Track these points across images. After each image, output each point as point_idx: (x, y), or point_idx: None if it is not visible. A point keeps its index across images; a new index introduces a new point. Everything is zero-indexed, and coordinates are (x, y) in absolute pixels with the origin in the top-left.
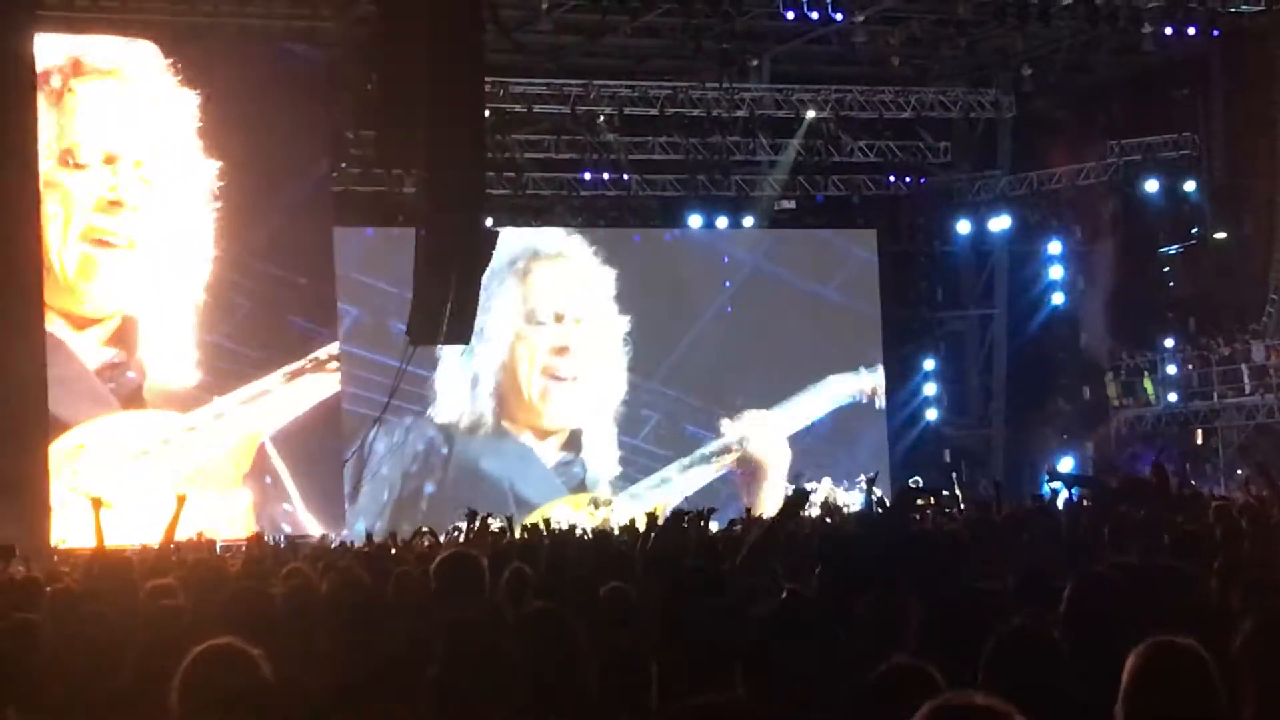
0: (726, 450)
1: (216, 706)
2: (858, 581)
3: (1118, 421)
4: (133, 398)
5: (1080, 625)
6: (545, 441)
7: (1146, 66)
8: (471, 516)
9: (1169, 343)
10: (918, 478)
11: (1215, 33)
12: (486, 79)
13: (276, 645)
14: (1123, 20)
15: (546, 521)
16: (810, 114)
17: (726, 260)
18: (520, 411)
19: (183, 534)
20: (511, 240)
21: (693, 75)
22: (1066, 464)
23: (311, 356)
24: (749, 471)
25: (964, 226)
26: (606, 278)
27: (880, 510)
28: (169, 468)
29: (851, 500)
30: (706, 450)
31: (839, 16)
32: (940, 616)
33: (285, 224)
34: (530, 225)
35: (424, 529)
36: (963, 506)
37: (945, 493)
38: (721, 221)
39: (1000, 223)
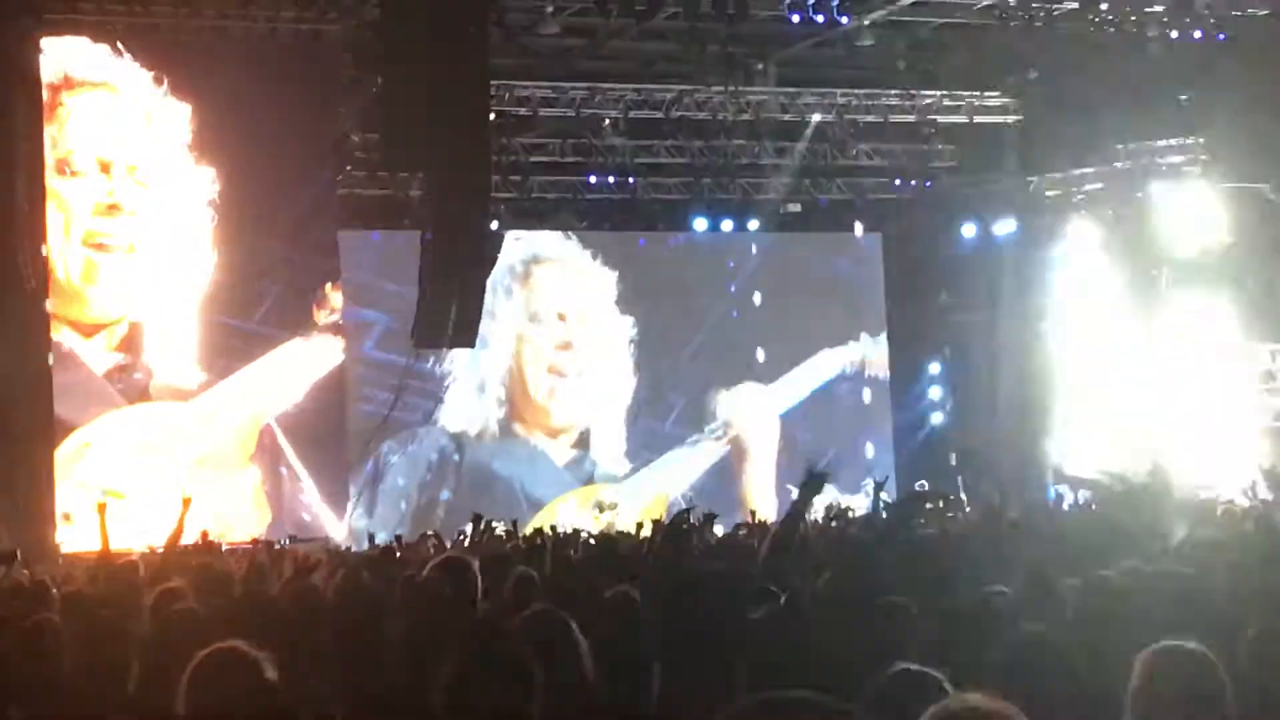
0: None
1: (222, 709)
2: (863, 586)
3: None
4: (139, 398)
5: (1086, 630)
6: (556, 440)
7: (1154, 70)
8: (477, 521)
9: None
10: (923, 481)
11: (1222, 36)
12: (491, 82)
13: (281, 649)
14: (1130, 24)
15: (553, 527)
16: (816, 117)
17: (731, 264)
18: (529, 412)
19: (190, 530)
20: (515, 244)
21: (698, 79)
22: (1073, 468)
23: (316, 344)
24: (739, 453)
25: (970, 230)
26: (611, 281)
27: (886, 515)
28: (175, 456)
29: (855, 504)
30: (700, 435)
31: (845, 20)
32: (946, 621)
33: (289, 227)
34: (535, 229)
35: (430, 534)
36: (967, 510)
37: (950, 497)
38: (727, 225)
39: (1006, 226)
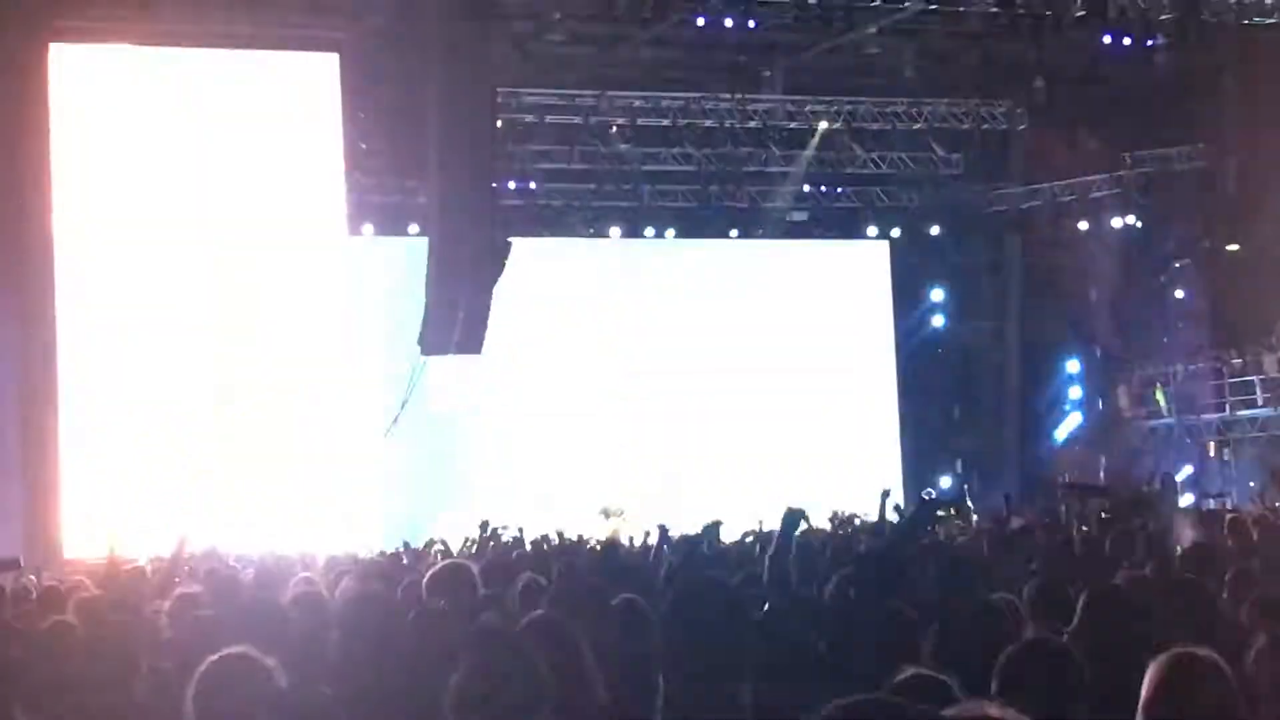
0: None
1: (231, 715)
2: (873, 593)
3: (1129, 433)
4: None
5: (1094, 637)
6: (568, 450)
7: (1160, 78)
8: (484, 527)
9: (1181, 354)
10: (930, 489)
11: (1229, 43)
12: (498, 89)
13: (289, 655)
14: (1136, 31)
15: (560, 532)
16: (823, 125)
17: (737, 271)
18: (540, 421)
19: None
20: (522, 252)
21: (705, 86)
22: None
23: (325, 362)
24: None
25: (977, 238)
26: (618, 287)
27: (895, 524)
28: (182, 471)
29: (860, 511)
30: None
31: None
32: (955, 628)
33: (296, 233)
34: (542, 236)
35: (436, 540)
36: (975, 518)
37: (959, 505)
38: (734, 233)
39: (1013, 234)
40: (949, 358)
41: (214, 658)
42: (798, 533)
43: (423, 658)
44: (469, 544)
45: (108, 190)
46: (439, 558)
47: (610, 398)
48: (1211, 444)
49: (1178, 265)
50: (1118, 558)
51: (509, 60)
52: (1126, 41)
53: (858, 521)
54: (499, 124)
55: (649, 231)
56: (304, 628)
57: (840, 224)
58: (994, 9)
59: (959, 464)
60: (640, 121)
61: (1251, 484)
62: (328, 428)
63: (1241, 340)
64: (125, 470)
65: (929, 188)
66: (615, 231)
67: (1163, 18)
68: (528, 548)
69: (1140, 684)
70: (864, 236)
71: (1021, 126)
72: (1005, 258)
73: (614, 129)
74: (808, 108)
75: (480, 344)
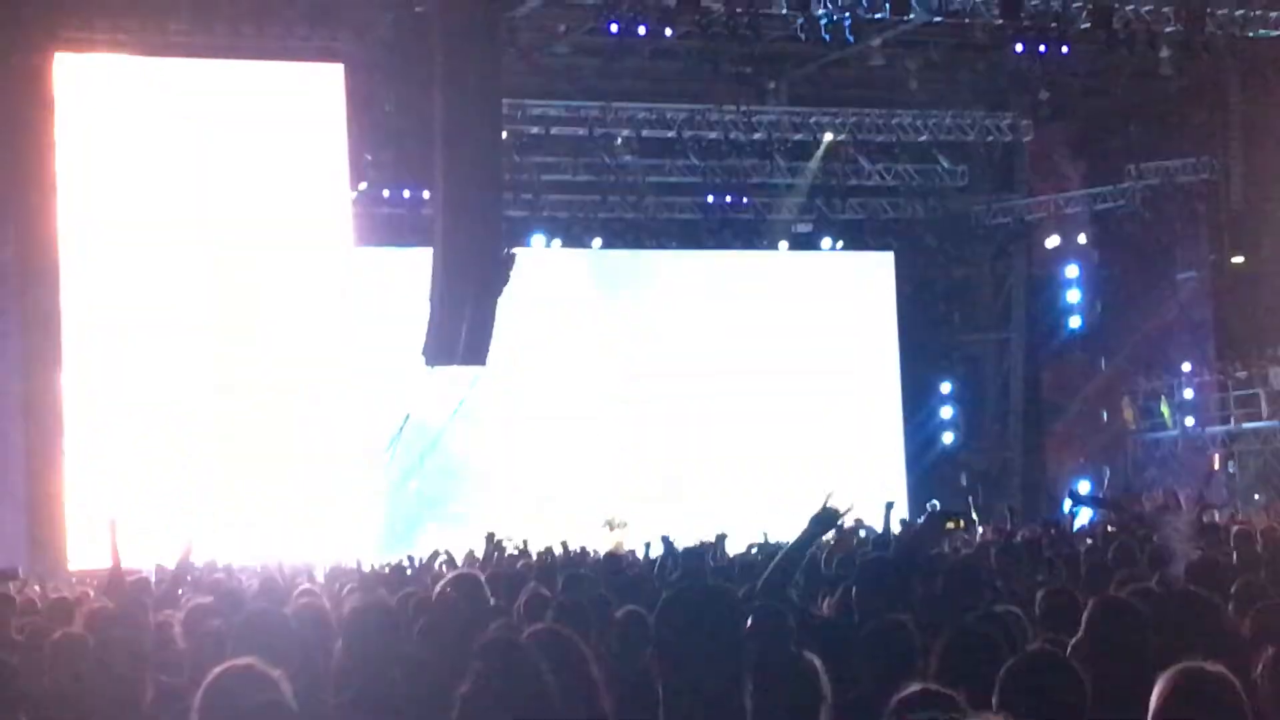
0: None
1: None
2: (880, 605)
3: (1134, 445)
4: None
5: (1099, 649)
6: (572, 462)
7: (1164, 90)
8: (490, 539)
9: (1186, 367)
10: (935, 501)
11: (1233, 56)
12: (504, 101)
13: (294, 665)
14: (1140, 44)
15: (564, 544)
16: (828, 137)
17: (742, 282)
18: (546, 433)
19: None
20: (525, 260)
21: (710, 98)
22: (1085, 488)
23: (328, 370)
24: None
25: (981, 250)
26: (622, 299)
27: (901, 535)
28: (184, 475)
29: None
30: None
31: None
32: (962, 641)
33: (303, 244)
34: (547, 247)
35: (441, 551)
36: (980, 530)
37: (965, 517)
38: (739, 244)
39: (1018, 247)
40: (953, 369)
41: (220, 669)
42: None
43: (429, 669)
44: (472, 556)
45: (113, 199)
46: (444, 569)
47: (612, 403)
48: (1216, 456)
49: (1182, 278)
50: (1124, 570)
51: (515, 72)
52: (1131, 54)
53: (862, 533)
54: (504, 135)
55: (653, 242)
56: (307, 639)
57: (845, 235)
58: (999, 21)
59: (964, 476)
60: (645, 133)
61: (1256, 496)
62: (329, 433)
63: (1246, 353)
64: (128, 474)
65: (934, 199)
66: (619, 242)
67: (1167, 30)
68: (533, 559)
69: (1145, 696)
70: (868, 247)
71: (1026, 138)
72: (1009, 268)
73: (619, 140)
74: (813, 119)
75: (485, 356)
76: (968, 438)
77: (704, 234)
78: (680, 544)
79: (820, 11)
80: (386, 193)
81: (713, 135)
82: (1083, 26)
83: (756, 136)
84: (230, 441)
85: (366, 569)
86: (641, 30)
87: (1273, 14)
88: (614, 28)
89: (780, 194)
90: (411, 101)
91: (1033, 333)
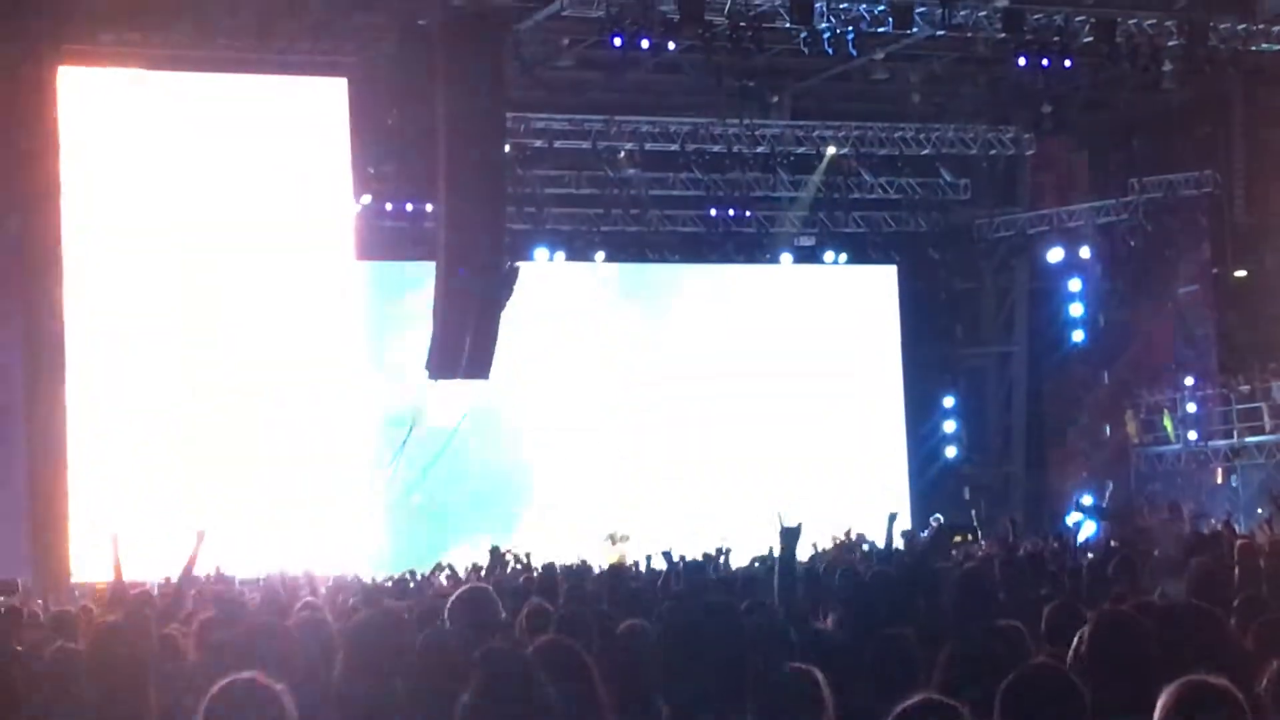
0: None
1: None
2: (883, 618)
3: (1137, 459)
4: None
5: (1100, 663)
6: (576, 475)
7: (1167, 104)
8: (494, 552)
9: (1189, 380)
10: (938, 515)
11: (1236, 70)
12: (507, 114)
13: (296, 678)
14: (1143, 58)
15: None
16: (830, 150)
17: (746, 296)
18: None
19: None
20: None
21: (713, 111)
22: (1088, 502)
23: (331, 382)
24: None
25: (984, 264)
26: (627, 313)
27: (906, 549)
28: (189, 488)
29: (865, 530)
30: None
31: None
32: (965, 654)
33: (306, 256)
34: (550, 261)
35: (443, 564)
36: (983, 544)
37: (969, 530)
38: (742, 257)
39: (1021, 260)
40: (956, 383)
41: (223, 682)
42: (810, 555)
43: (431, 681)
44: (474, 568)
45: (116, 211)
46: (446, 582)
47: (615, 417)
48: (1219, 470)
49: (1185, 291)
50: (1126, 583)
51: (518, 85)
52: (1133, 68)
53: (865, 547)
54: (507, 148)
55: (656, 256)
56: (309, 652)
57: (848, 248)
58: (1001, 35)
59: (966, 490)
60: (648, 146)
61: (1259, 510)
62: (332, 444)
63: (1249, 366)
64: (130, 484)
65: (936, 212)
66: (622, 256)
67: (1170, 44)
68: (535, 572)
69: (1147, 710)
70: (871, 261)
71: (1029, 152)
72: (1012, 282)
73: (622, 154)
74: (816, 133)
75: (488, 369)
76: (970, 451)
77: (707, 247)
78: (683, 556)
79: (823, 25)
80: (389, 206)
81: (716, 149)
82: (1085, 40)
83: (759, 150)
84: (233, 451)
85: (369, 581)
86: (645, 44)
87: (1275, 28)
88: (617, 41)
89: (783, 207)
90: (414, 115)
91: (1035, 346)
